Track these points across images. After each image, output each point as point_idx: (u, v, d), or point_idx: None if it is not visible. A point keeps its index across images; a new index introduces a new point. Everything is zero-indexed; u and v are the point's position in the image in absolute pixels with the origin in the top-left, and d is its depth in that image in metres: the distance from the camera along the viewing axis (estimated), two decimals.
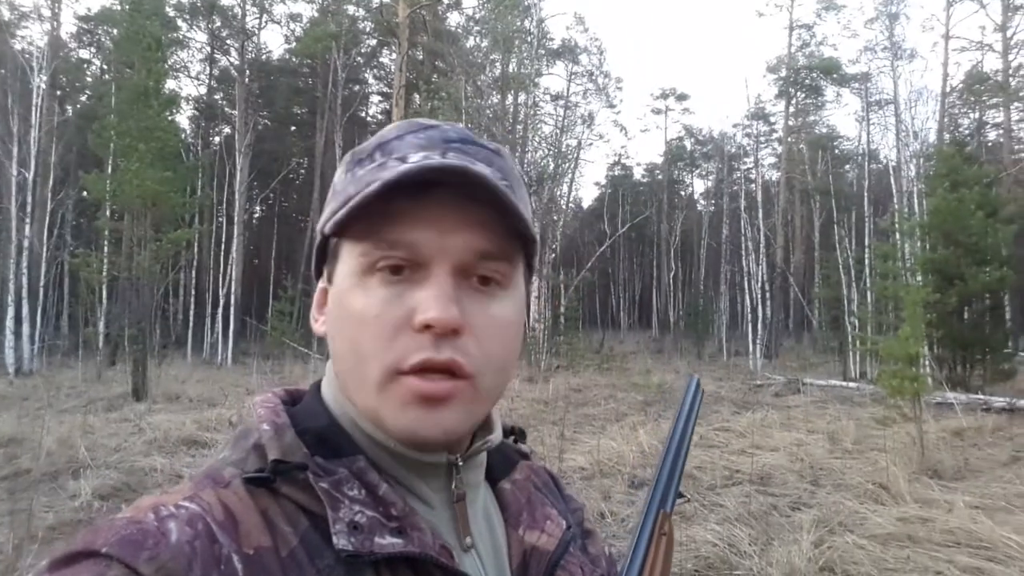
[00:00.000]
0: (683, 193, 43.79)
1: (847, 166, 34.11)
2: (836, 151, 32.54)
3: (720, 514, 5.33)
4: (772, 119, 33.37)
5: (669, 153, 40.09)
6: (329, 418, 0.58)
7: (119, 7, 15.20)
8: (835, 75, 28.11)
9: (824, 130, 33.35)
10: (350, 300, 0.55)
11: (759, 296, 23.62)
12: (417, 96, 25.35)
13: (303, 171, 36.79)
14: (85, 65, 29.67)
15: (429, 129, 0.58)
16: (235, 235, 23.94)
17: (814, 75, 28.71)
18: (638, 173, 46.91)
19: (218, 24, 30.50)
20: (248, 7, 28.70)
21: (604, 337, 31.23)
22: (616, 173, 44.09)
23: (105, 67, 24.82)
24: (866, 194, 21.97)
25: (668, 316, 36.39)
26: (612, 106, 29.09)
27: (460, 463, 0.59)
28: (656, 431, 8.72)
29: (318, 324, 0.61)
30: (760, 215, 24.03)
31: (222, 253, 24.83)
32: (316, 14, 29.98)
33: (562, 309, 21.58)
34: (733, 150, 32.64)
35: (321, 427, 0.57)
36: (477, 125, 17.98)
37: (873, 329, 16.31)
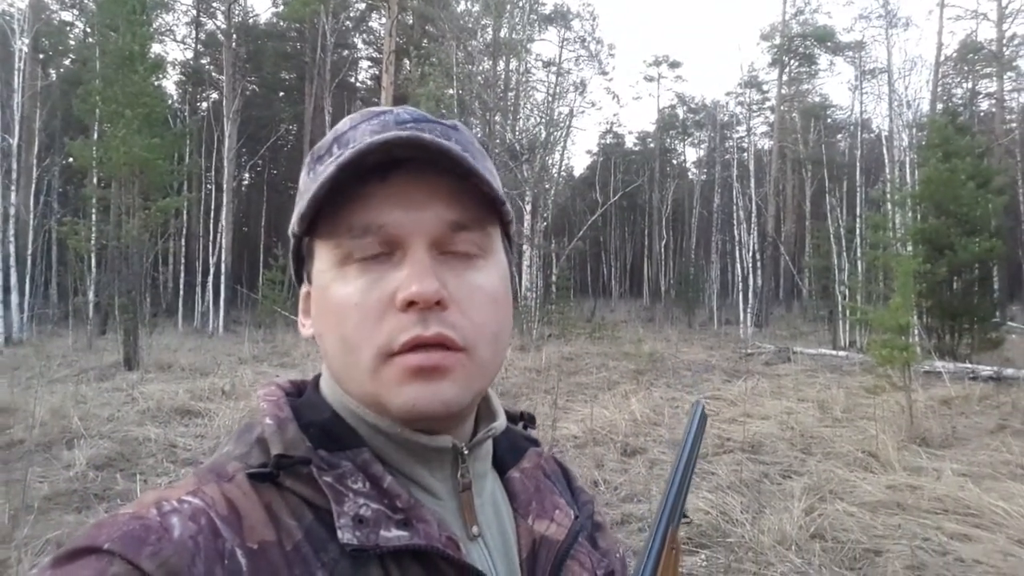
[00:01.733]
0: (675, 162, 43.62)
1: (839, 135, 34.07)
2: (829, 120, 32.47)
3: (712, 482, 5.40)
4: (765, 87, 33.14)
5: (661, 121, 39.86)
6: (331, 411, 0.58)
7: None
8: (829, 43, 27.93)
9: (817, 99, 33.21)
10: (331, 293, 0.55)
11: (750, 265, 23.69)
12: (407, 61, 25.05)
13: (292, 137, 36.43)
14: (68, 28, 29.08)
15: (382, 115, 0.58)
16: (224, 203, 23.70)
17: (808, 43, 28.49)
18: (630, 141, 46.75)
19: None
20: None
21: (596, 306, 31.35)
22: (608, 141, 43.89)
23: (88, 30, 24.32)
24: (858, 164, 21.94)
25: (659, 285, 36.49)
26: (604, 73, 28.93)
27: (465, 451, 0.59)
28: (647, 399, 8.79)
29: (305, 328, 0.61)
30: (752, 184, 23.99)
31: (212, 221, 24.60)
32: None
33: (554, 278, 21.58)
34: (725, 119, 32.56)
35: (324, 420, 0.57)
36: (468, 91, 17.79)
37: (863, 298, 16.41)
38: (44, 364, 11.75)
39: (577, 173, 48.27)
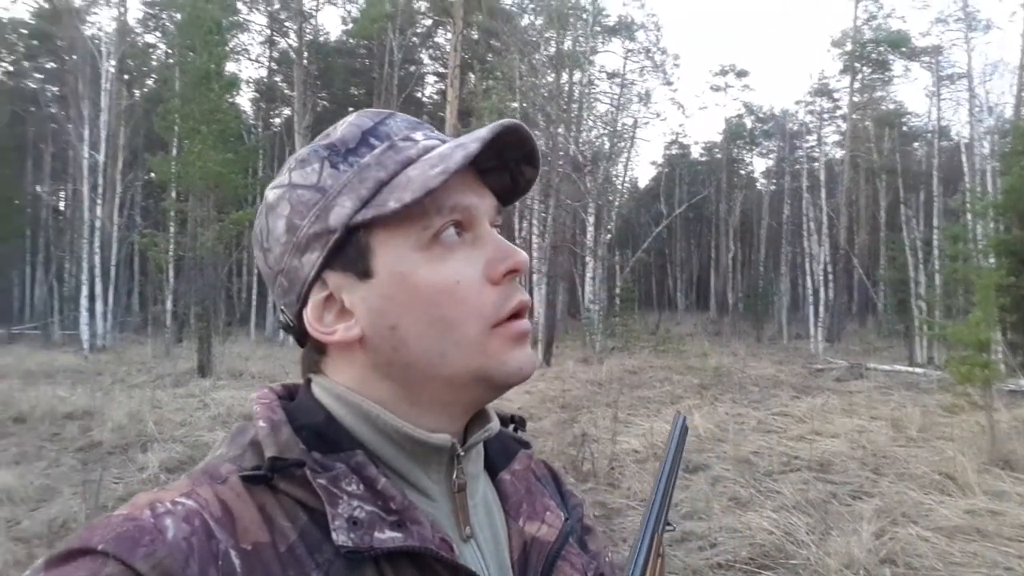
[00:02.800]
0: (743, 172, 42.72)
1: (916, 144, 32.79)
2: (904, 128, 31.28)
3: (776, 501, 5.24)
4: (836, 95, 32.14)
5: (728, 131, 39.12)
6: (325, 413, 0.58)
7: None
8: (904, 48, 26.95)
9: (892, 106, 32.06)
10: (423, 276, 0.56)
11: (821, 278, 23.01)
12: (472, 76, 25.33)
13: None
14: (151, 50, 30.42)
15: (393, 116, 0.62)
16: None
17: (881, 49, 27.57)
18: (696, 152, 46.02)
19: (277, 6, 30.91)
20: None
21: (660, 319, 30.94)
22: (673, 152, 43.32)
23: (169, 51, 25.39)
24: (935, 173, 21.10)
25: (726, 298, 35.75)
26: (669, 83, 28.54)
27: (461, 452, 0.59)
28: (712, 415, 8.61)
29: (338, 333, 0.58)
30: (823, 194, 23.33)
31: None
32: None
33: (618, 290, 21.42)
34: (795, 128, 31.72)
35: (318, 423, 0.56)
36: (532, 104, 17.85)
37: (942, 313, 15.75)
38: (124, 370, 12.28)
39: (642, 184, 47.83)
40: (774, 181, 37.08)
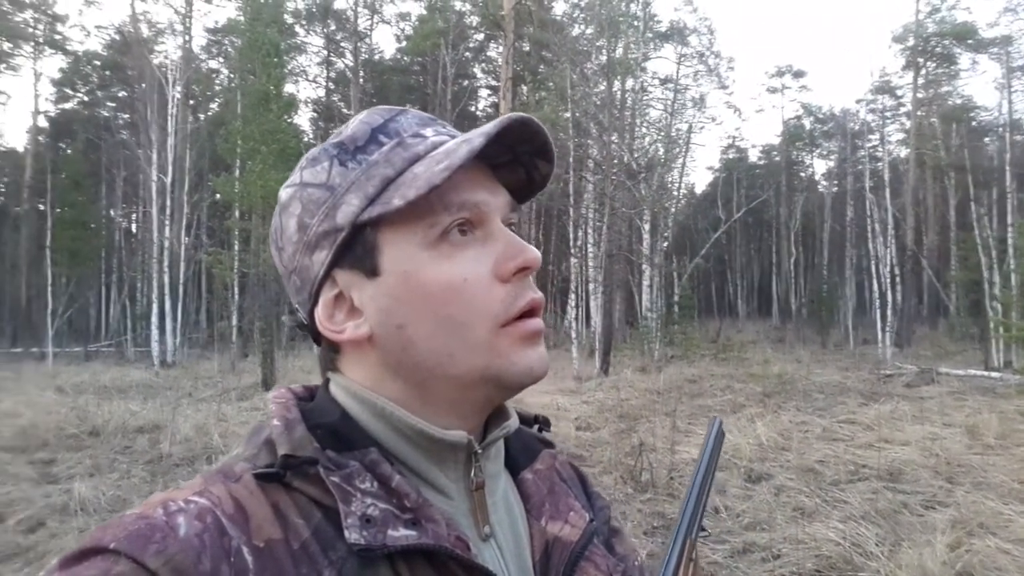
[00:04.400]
0: (803, 174, 41.78)
1: (986, 139, 31.52)
2: (973, 123, 30.11)
3: (844, 511, 5.06)
4: (899, 92, 31.14)
5: (787, 133, 38.34)
6: (340, 412, 0.58)
7: (241, 17, 16.06)
8: (970, 41, 25.99)
9: (958, 101, 30.92)
10: (430, 274, 0.55)
11: (888, 281, 22.26)
12: (524, 88, 25.45)
13: None
14: (214, 75, 31.54)
15: (405, 112, 0.62)
16: None
17: (946, 42, 26.64)
18: (753, 155, 45.20)
19: (333, 28, 31.67)
20: (360, 9, 29.61)
21: (721, 326, 30.38)
22: (730, 156, 42.67)
23: (231, 75, 26.29)
24: (1008, 168, 20.23)
25: (789, 303, 34.92)
26: (724, 87, 28.20)
27: (479, 450, 0.59)
28: (775, 423, 8.39)
29: (347, 332, 0.58)
30: (888, 195, 22.59)
31: None
32: (424, 11, 30.58)
33: (676, 298, 21.14)
34: (856, 127, 30.84)
35: (332, 421, 0.57)
36: (584, 112, 17.81)
37: (1019, 314, 15.03)
38: (192, 385, 12.68)
39: (699, 190, 47.24)
40: (836, 182, 36.05)
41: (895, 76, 30.22)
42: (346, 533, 0.49)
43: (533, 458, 0.67)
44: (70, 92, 35.71)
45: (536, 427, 0.72)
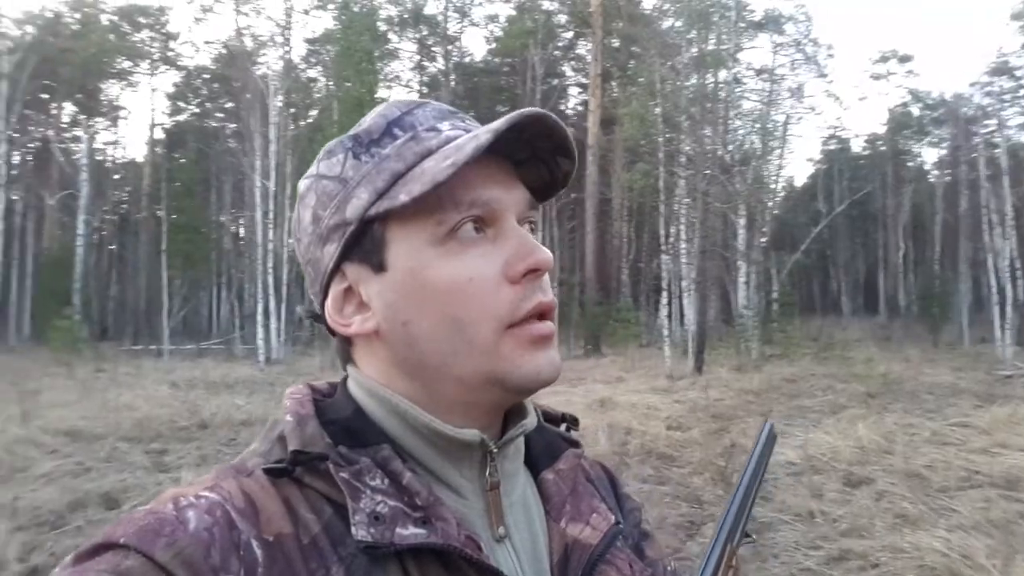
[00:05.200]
0: (911, 164, 39.57)
1: None
2: None
3: (951, 520, 4.77)
4: (1018, 73, 29.08)
5: (892, 121, 36.39)
6: (354, 408, 0.58)
7: (337, 26, 16.63)
8: None
9: None
10: (435, 272, 0.55)
11: (1008, 275, 20.79)
12: (614, 84, 25.22)
13: None
14: (312, 83, 32.72)
15: (424, 105, 0.61)
16: None
17: None
18: (857, 146, 43.04)
19: (424, 32, 32.30)
20: (450, 13, 30.08)
21: (823, 324, 29.17)
22: (831, 147, 40.85)
23: (328, 83, 27.20)
24: None
25: (897, 300, 33.17)
26: (824, 75, 26.87)
27: (494, 449, 0.58)
28: (878, 425, 8.00)
29: (353, 326, 0.59)
30: (1006, 183, 21.09)
31: None
32: (513, 12, 30.76)
33: (774, 295, 20.46)
34: (970, 112, 28.95)
35: (346, 417, 0.57)
36: (675, 106, 17.47)
37: None
38: (293, 381, 13.15)
39: (798, 183, 45.53)
40: (948, 172, 33.93)
41: (1013, 56, 28.17)
42: (353, 530, 0.49)
43: (556, 458, 0.65)
44: (183, 105, 37.91)
45: (563, 426, 0.71)
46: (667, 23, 20.86)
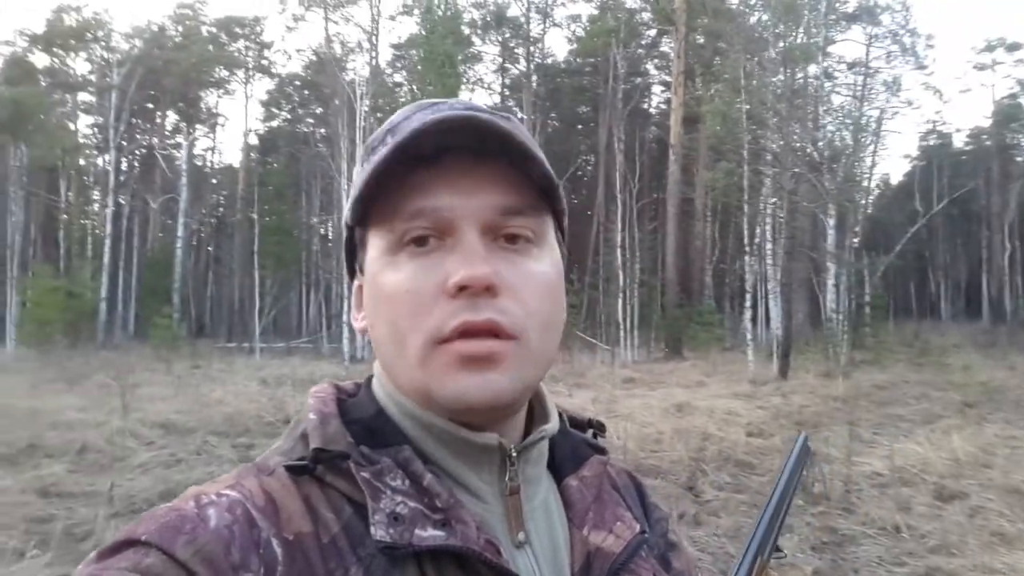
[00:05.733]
0: (1020, 159, 37.24)
1: None
2: None
3: None
4: None
5: (999, 114, 34.34)
6: (377, 408, 0.58)
7: (422, 31, 16.96)
8: None
9: None
10: (381, 281, 0.55)
11: None
12: (698, 81, 24.76)
13: (589, 168, 37.86)
14: (397, 88, 33.48)
15: (436, 105, 0.58)
16: None
17: None
18: (958, 140, 40.89)
19: (507, 35, 32.54)
20: (532, 15, 30.20)
21: (920, 329, 27.81)
22: (930, 143, 38.88)
23: (413, 87, 27.76)
24: None
25: (1002, 303, 31.26)
26: (922, 67, 25.62)
27: (514, 453, 0.57)
28: (976, 436, 7.57)
29: (358, 322, 0.61)
30: None
31: None
32: (595, 11, 30.60)
33: (867, 298, 19.63)
34: None
35: (368, 417, 0.57)
36: (760, 103, 16.99)
37: None
38: None
39: (893, 181, 43.55)
40: None
41: None
42: (372, 529, 0.49)
43: (580, 464, 0.64)
44: (275, 111, 39.48)
45: (590, 432, 0.70)
46: (753, 18, 20.31)
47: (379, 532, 0.49)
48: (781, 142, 16.44)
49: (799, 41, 18.39)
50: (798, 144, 16.92)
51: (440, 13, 17.97)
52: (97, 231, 29.37)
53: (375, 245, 0.56)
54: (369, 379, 0.63)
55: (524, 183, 0.55)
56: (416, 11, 23.66)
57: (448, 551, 0.50)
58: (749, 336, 16.78)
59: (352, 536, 0.50)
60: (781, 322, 15.94)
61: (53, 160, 25.97)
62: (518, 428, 0.60)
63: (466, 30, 27.75)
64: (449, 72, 14.53)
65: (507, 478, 0.57)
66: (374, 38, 29.72)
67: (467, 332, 0.51)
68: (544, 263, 0.56)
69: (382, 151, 0.53)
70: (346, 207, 0.59)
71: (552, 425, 0.62)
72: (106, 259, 27.40)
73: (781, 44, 18.05)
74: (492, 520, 0.56)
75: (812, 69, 19.54)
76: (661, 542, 0.68)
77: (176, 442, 7.54)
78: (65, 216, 29.71)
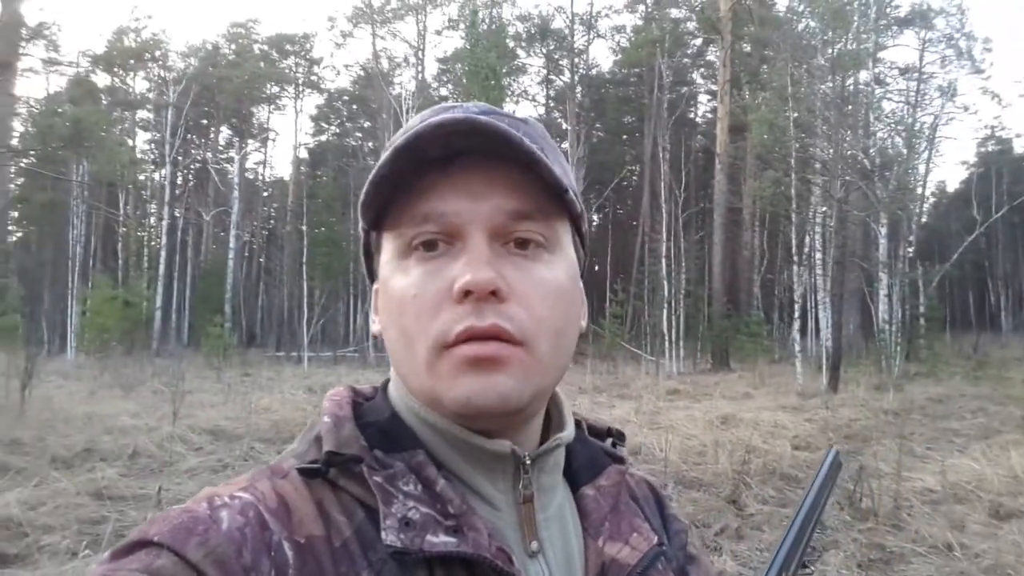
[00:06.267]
0: None
1: None
2: None
3: None
4: None
5: None
6: (391, 412, 0.58)
7: (465, 45, 17.18)
8: None
9: None
10: (391, 285, 0.55)
11: None
12: (745, 89, 24.47)
13: (635, 178, 37.69)
14: (443, 101, 33.85)
15: (452, 109, 0.57)
16: None
17: None
18: (1019, 146, 39.56)
19: (552, 47, 32.66)
20: (576, 26, 30.26)
21: (978, 341, 26.90)
22: (989, 149, 37.70)
23: (457, 100, 28.02)
24: None
25: None
26: (979, 71, 24.86)
27: (527, 461, 0.56)
28: None
29: (375, 325, 0.61)
30: None
31: None
32: (640, 22, 30.53)
33: (921, 309, 19.07)
34: None
35: (383, 420, 0.57)
36: (808, 110, 16.70)
37: None
38: None
39: (950, 188, 42.34)
40: None
41: None
42: (383, 534, 0.49)
43: (598, 473, 0.64)
44: (324, 125, 40.27)
45: (609, 440, 0.69)
46: (801, 25, 20.00)
47: (390, 537, 0.49)
48: (831, 150, 16.12)
49: (848, 47, 18.02)
50: (848, 152, 16.57)
51: (484, 27, 18.19)
52: (153, 243, 30.32)
53: (387, 249, 0.57)
54: (386, 382, 0.63)
55: (535, 187, 0.54)
56: (461, 25, 23.92)
57: (459, 558, 0.50)
58: (798, 348, 16.45)
59: (364, 540, 0.50)
60: (831, 333, 15.57)
61: (113, 175, 26.90)
62: (533, 436, 0.59)
63: (510, 43, 27.95)
64: (492, 84, 14.65)
65: (520, 486, 0.56)
66: (420, 53, 30.22)
67: (471, 338, 0.51)
68: (556, 269, 0.55)
69: (385, 154, 0.53)
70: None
71: (567, 433, 0.61)
72: (161, 270, 28.30)
73: (830, 51, 17.72)
74: (505, 528, 0.55)
75: (863, 75, 19.13)
76: (680, 554, 0.66)
77: (223, 448, 7.71)
78: (123, 229, 30.76)
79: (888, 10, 19.97)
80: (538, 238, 0.55)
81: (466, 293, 0.51)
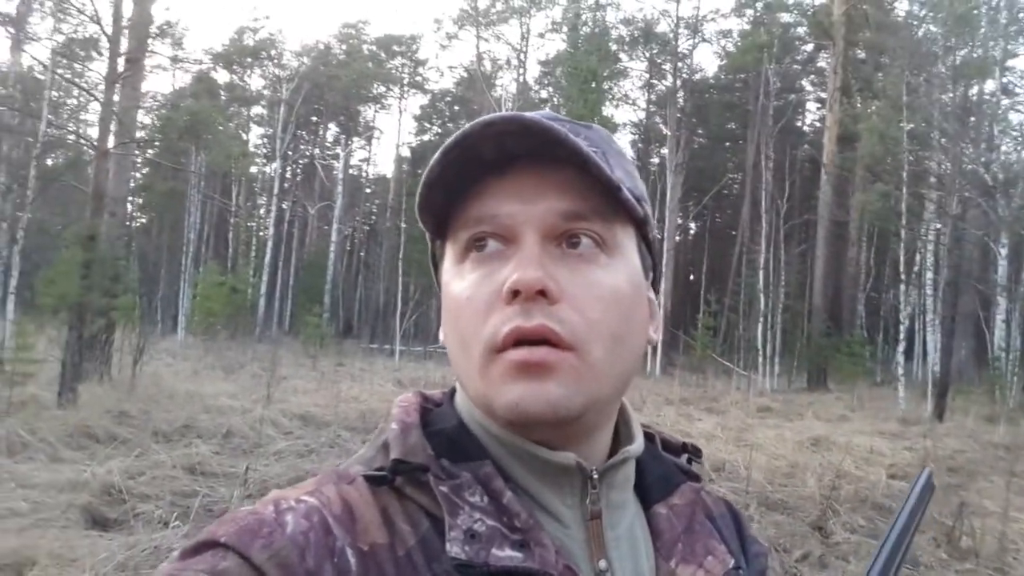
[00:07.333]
0: None
1: None
2: None
3: None
4: None
5: None
6: (458, 420, 0.57)
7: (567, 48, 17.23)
8: None
9: None
10: (449, 291, 0.55)
11: None
12: (858, 98, 23.45)
13: (736, 186, 36.71)
14: (543, 104, 33.96)
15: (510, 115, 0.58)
16: (664, 251, 24.87)
17: None
18: None
19: (655, 51, 32.22)
20: (680, 30, 29.74)
21: None
22: None
23: (558, 102, 28.06)
24: None
25: None
26: None
27: (595, 475, 0.55)
28: None
29: (441, 333, 0.59)
30: None
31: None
32: (747, 26, 29.71)
33: None
34: None
35: (450, 429, 0.56)
36: (925, 121, 15.82)
37: None
38: None
39: None
40: None
41: None
42: (447, 546, 0.48)
43: (671, 491, 0.61)
44: (427, 125, 41.12)
45: (684, 456, 0.67)
46: (921, 31, 18.97)
47: (454, 548, 0.48)
48: (948, 164, 15.22)
49: (973, 55, 16.96)
50: (968, 166, 15.60)
51: (587, 30, 18.14)
52: (261, 233, 31.75)
53: (448, 256, 0.57)
54: (453, 390, 0.62)
55: (590, 189, 0.53)
56: (564, 28, 23.97)
57: (525, 574, 0.48)
58: (901, 371, 15.61)
59: (428, 551, 0.49)
60: (939, 358, 14.71)
61: (227, 167, 28.35)
62: (601, 449, 0.58)
63: (613, 46, 27.74)
64: (592, 87, 14.60)
65: (588, 502, 0.55)
66: (523, 55, 30.35)
67: (519, 339, 0.50)
68: (614, 273, 0.54)
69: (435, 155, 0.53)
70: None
71: (636, 446, 0.59)
72: (267, 259, 29.62)
73: (952, 58, 16.73)
74: (572, 545, 0.54)
75: (988, 85, 17.99)
76: None
77: (311, 433, 7.99)
78: (235, 219, 32.39)
79: (1021, 15, 18.67)
80: (594, 236, 0.53)
81: (515, 293, 0.50)
